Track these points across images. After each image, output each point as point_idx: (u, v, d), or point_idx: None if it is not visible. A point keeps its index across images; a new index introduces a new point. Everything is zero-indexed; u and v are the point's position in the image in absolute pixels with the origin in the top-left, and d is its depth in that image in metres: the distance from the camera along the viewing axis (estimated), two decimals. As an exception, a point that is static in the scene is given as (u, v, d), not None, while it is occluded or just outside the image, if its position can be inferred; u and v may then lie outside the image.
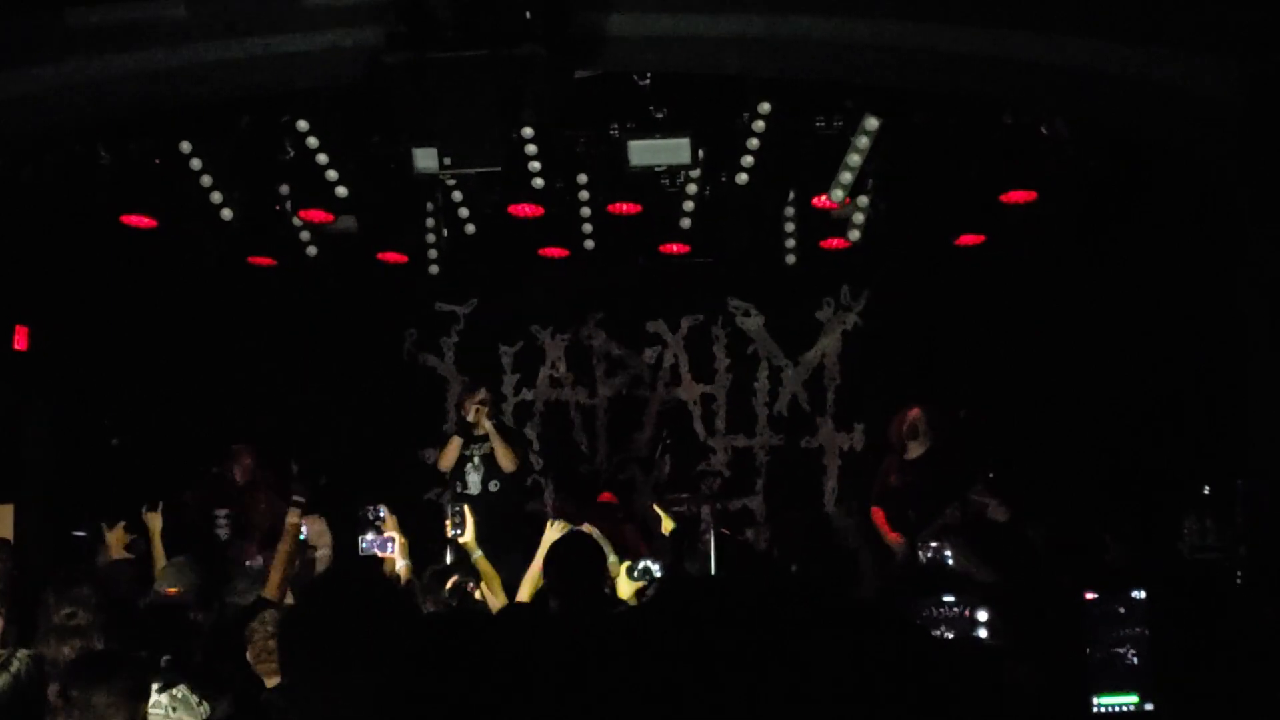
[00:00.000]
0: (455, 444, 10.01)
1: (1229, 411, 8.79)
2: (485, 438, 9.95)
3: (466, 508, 7.95)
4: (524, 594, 7.06)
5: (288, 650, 4.64)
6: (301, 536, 7.53)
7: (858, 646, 4.38)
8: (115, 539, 7.53)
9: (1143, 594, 5.32)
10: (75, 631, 5.68)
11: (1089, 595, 5.35)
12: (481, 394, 10.05)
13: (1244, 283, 8.11)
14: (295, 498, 7.17)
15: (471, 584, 7.31)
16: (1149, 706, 5.21)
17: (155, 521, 7.85)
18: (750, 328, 12.13)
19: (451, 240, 10.99)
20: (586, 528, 7.55)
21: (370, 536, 7.71)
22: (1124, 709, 5.23)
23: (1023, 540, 7.41)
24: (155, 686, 5.12)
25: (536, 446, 12.24)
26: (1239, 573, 7.23)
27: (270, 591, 6.53)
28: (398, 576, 7.39)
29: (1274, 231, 7.91)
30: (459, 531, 7.82)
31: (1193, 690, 5.41)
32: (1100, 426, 10.19)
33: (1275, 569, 7.07)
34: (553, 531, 7.32)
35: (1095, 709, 5.22)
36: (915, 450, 9.82)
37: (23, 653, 5.35)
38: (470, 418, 9.92)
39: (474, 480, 9.98)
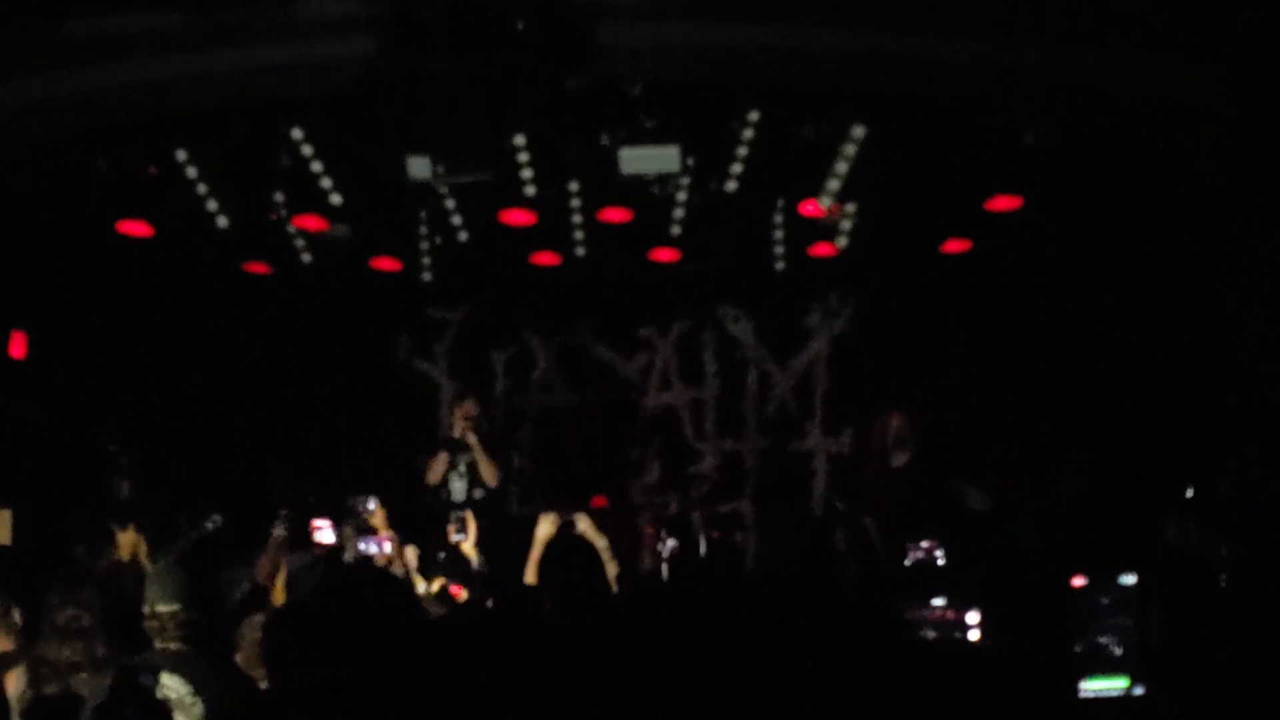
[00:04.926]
0: (442, 460, 10.10)
1: (1211, 415, 8.89)
2: (470, 449, 10.04)
3: (469, 514, 7.99)
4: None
5: (276, 653, 4.70)
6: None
7: (843, 647, 4.48)
8: (126, 540, 7.51)
9: (1133, 579, 5.38)
10: (78, 634, 5.71)
11: (1076, 582, 5.42)
12: (468, 407, 10.13)
13: (1233, 286, 8.21)
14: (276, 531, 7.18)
15: (457, 587, 7.36)
16: (1138, 690, 5.28)
17: (126, 538, 7.74)
18: (739, 333, 12.19)
19: (444, 247, 11.08)
20: (579, 519, 7.59)
21: (366, 539, 7.77)
22: (1113, 693, 5.29)
23: (1008, 536, 7.51)
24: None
25: (527, 452, 12.30)
26: (1222, 576, 7.32)
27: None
28: (405, 572, 7.43)
29: (1260, 234, 8.02)
30: (462, 536, 7.88)
31: (1183, 675, 5.48)
32: (1085, 430, 10.28)
33: (1258, 569, 7.16)
34: (546, 525, 7.39)
35: (1084, 694, 5.28)
36: (900, 458, 9.83)
37: None
38: (456, 433, 10.02)
39: (459, 488, 10.04)
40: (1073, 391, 10.40)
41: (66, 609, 5.68)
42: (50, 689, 5.47)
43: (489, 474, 9.94)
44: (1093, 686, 5.31)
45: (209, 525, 8.12)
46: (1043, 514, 9.17)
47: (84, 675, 5.50)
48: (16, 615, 5.94)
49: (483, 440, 10.00)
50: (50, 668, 5.61)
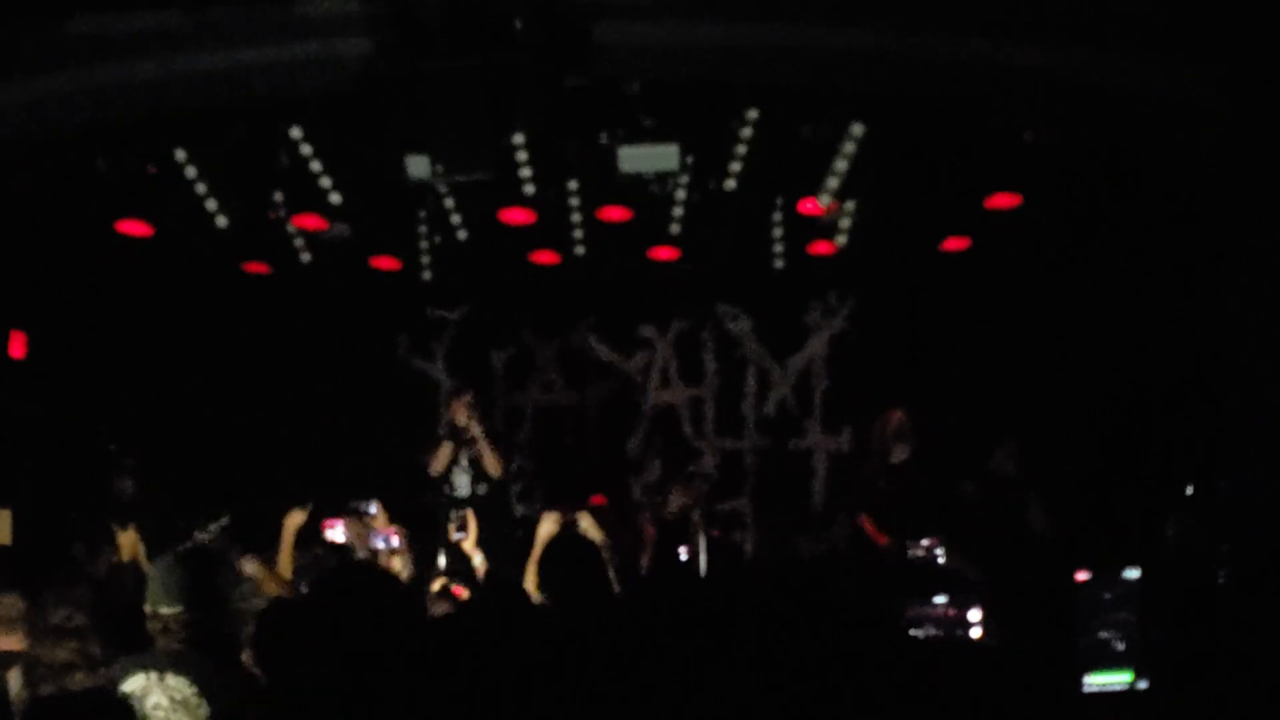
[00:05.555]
0: (447, 449, 10.06)
1: (1211, 415, 8.90)
2: (474, 441, 10.01)
3: (470, 512, 7.98)
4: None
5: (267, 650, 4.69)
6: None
7: (843, 647, 4.48)
8: (127, 541, 7.48)
9: (1136, 573, 5.38)
10: (72, 633, 5.69)
11: (1080, 577, 5.42)
12: (468, 396, 10.11)
13: (1233, 286, 8.22)
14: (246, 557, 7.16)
15: (458, 586, 7.34)
16: (1142, 685, 5.28)
17: (126, 538, 7.70)
18: (739, 332, 12.21)
19: (443, 246, 11.08)
20: (581, 517, 7.58)
21: (374, 534, 7.76)
22: (1117, 688, 5.29)
23: (1010, 534, 7.49)
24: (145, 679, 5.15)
25: (527, 452, 12.30)
26: (1221, 574, 7.33)
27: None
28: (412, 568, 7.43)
29: (1260, 234, 8.02)
30: (462, 535, 7.86)
31: (1186, 671, 5.49)
32: (1085, 428, 10.28)
33: (1258, 568, 7.17)
34: (548, 524, 7.37)
35: (1087, 689, 5.28)
36: (900, 454, 9.84)
37: None
38: (459, 421, 9.99)
39: (463, 483, 10.02)
40: (1073, 391, 10.41)
41: (60, 608, 5.65)
42: (46, 689, 5.45)
43: (492, 464, 9.90)
44: (1096, 681, 5.31)
45: (215, 528, 8.11)
46: (1043, 511, 9.18)
47: (80, 675, 5.48)
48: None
49: (486, 432, 9.98)
50: (46, 668, 5.59)
